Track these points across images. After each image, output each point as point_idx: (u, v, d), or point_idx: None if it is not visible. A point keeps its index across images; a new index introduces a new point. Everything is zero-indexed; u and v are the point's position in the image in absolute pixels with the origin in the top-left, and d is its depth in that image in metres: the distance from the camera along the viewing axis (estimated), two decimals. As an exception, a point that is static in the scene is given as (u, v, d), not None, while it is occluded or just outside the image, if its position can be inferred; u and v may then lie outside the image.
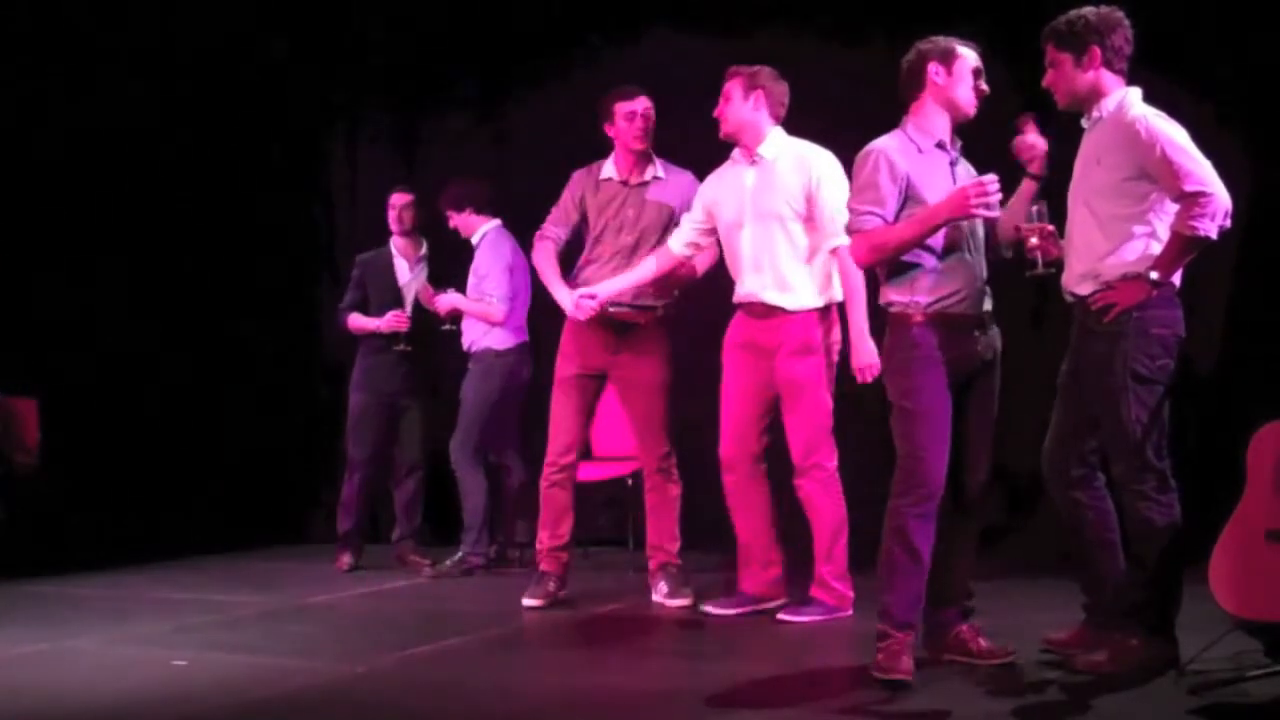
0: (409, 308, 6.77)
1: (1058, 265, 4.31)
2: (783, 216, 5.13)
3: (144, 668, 4.62)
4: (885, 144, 4.26)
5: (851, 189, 4.27)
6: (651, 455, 5.59)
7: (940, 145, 4.29)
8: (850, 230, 4.28)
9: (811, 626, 5.04)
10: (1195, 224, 4.01)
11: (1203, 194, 4.01)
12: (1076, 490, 4.33)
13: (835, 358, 5.20)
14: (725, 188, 5.28)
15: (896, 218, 4.20)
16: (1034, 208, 4.28)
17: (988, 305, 4.31)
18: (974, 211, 4.10)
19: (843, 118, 4.45)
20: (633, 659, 4.74)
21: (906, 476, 4.20)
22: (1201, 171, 4.04)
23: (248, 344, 8.02)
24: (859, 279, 5.04)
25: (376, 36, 7.91)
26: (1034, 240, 4.25)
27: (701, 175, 5.47)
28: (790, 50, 6.98)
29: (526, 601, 5.51)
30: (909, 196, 4.21)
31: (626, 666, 4.64)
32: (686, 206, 5.45)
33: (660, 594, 5.49)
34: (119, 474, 7.41)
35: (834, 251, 5.09)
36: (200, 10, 7.69)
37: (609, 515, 7.11)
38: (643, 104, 5.50)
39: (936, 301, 4.19)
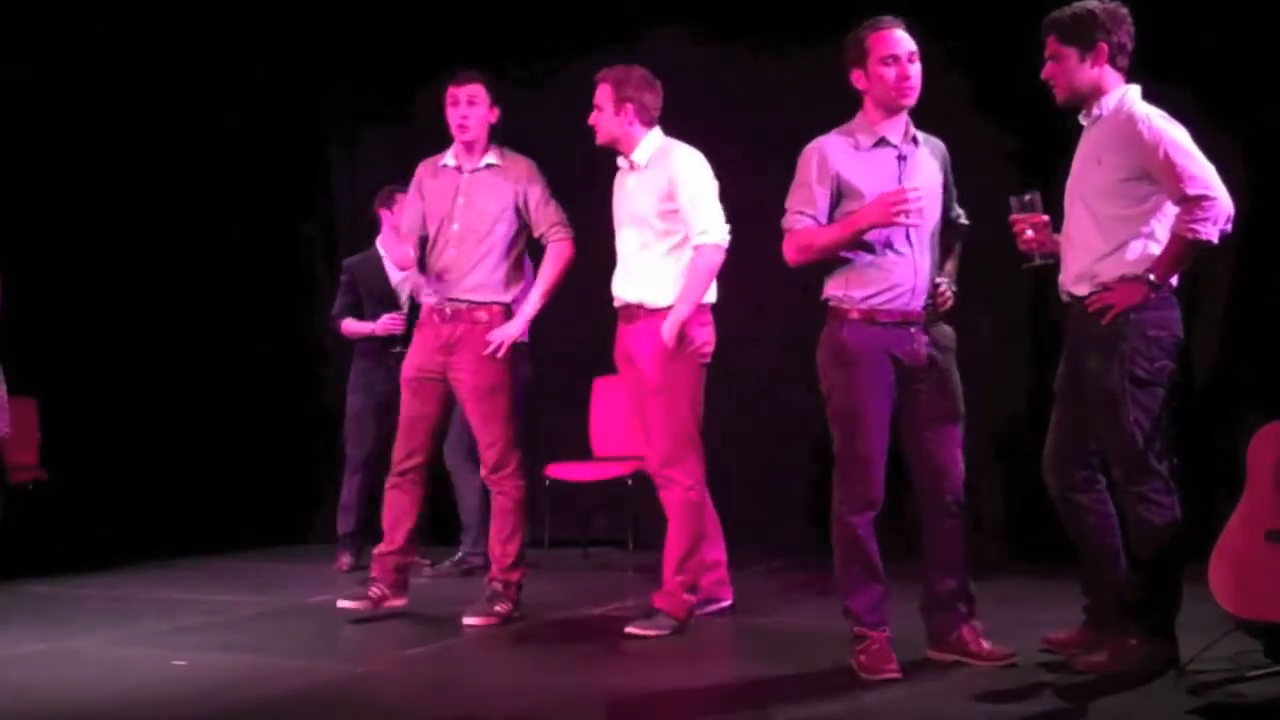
0: (405, 308, 6.77)
1: (1054, 258, 4.29)
2: (649, 218, 5.04)
3: (144, 668, 4.62)
4: (821, 141, 4.28)
5: (791, 186, 4.29)
6: (483, 464, 5.35)
7: (883, 142, 4.25)
8: (783, 228, 4.29)
9: (654, 638, 4.90)
10: (1197, 227, 3.99)
11: (1205, 197, 3.98)
12: (1078, 493, 4.32)
13: (702, 358, 5.05)
14: (616, 191, 5.23)
15: (831, 214, 4.23)
16: (1026, 197, 4.24)
17: (935, 301, 4.27)
18: (894, 220, 4.09)
19: (844, 118, 4.43)
20: (632, 659, 4.73)
21: (847, 484, 4.22)
22: (1205, 175, 4.01)
23: (247, 344, 8.03)
24: (699, 276, 4.95)
25: (376, 37, 7.91)
26: (1029, 233, 4.24)
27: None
28: (790, 50, 7.04)
29: (341, 603, 5.24)
30: (842, 194, 4.22)
31: (626, 667, 4.63)
32: (523, 193, 5.29)
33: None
34: (118, 474, 7.42)
35: (695, 248, 4.98)
36: (201, 10, 7.69)
37: (608, 515, 7.11)
38: (467, 91, 5.25)
39: (871, 297, 4.19)
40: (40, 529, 6.77)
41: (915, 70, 4.22)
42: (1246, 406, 4.41)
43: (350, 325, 6.83)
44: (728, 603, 5.30)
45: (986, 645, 4.33)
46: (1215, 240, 4.03)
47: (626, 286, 5.12)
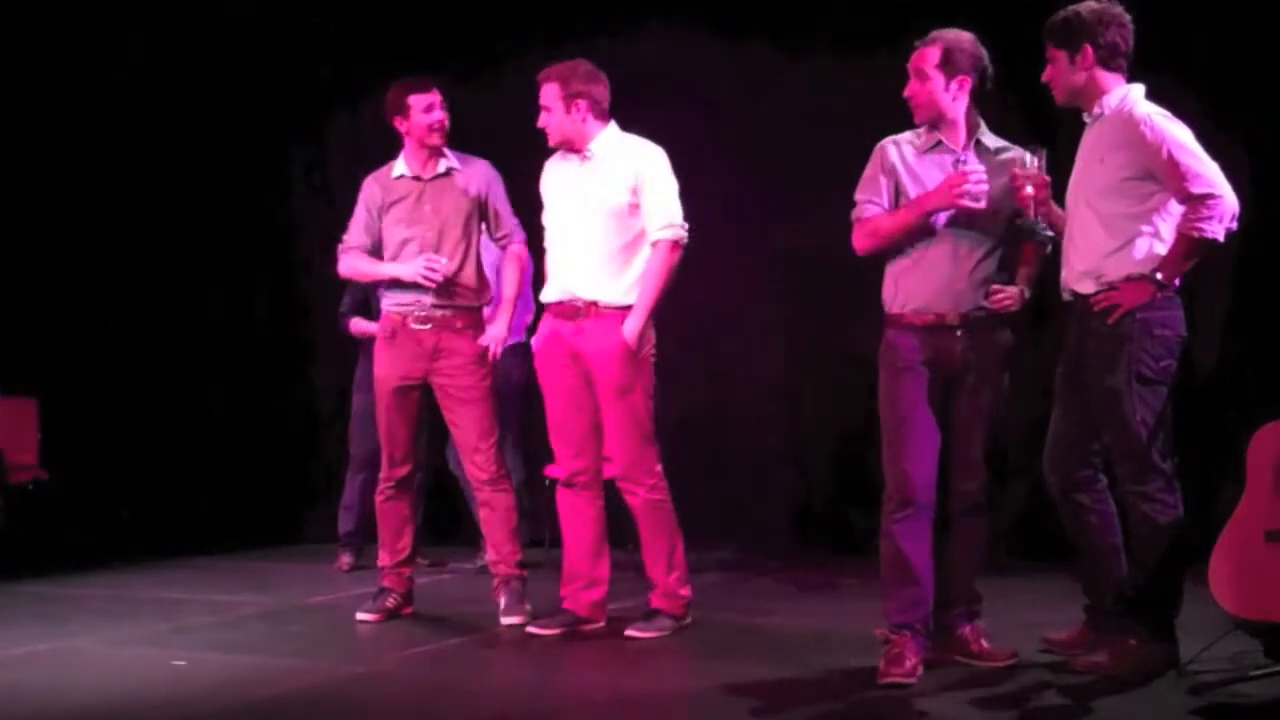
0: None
1: (1051, 228, 4.30)
2: (607, 213, 4.91)
3: (144, 668, 4.62)
4: (889, 140, 4.36)
5: (859, 181, 4.36)
6: (479, 468, 5.29)
7: (941, 145, 4.29)
8: (853, 219, 4.34)
9: (655, 639, 4.89)
10: (1202, 226, 4.00)
11: (1210, 196, 3.99)
12: (1079, 493, 4.32)
13: (653, 356, 4.99)
14: (554, 182, 5.07)
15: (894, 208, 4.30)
16: (1032, 157, 4.22)
17: (986, 308, 4.27)
18: (958, 201, 4.13)
19: (835, 117, 4.45)
20: (633, 659, 4.73)
21: (889, 484, 4.25)
22: (1209, 173, 4.01)
23: (248, 343, 8.03)
24: (661, 274, 4.88)
25: (375, 32, 7.90)
26: (1028, 190, 4.23)
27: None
28: (789, 48, 7.03)
29: (360, 615, 5.31)
30: (899, 191, 4.29)
31: (627, 667, 4.63)
32: (486, 195, 5.26)
33: (500, 610, 5.27)
34: (119, 474, 7.42)
35: (653, 244, 4.91)
36: (203, 3, 7.71)
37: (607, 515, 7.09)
38: (438, 96, 5.22)
39: (917, 301, 4.24)
40: (40, 529, 6.77)
41: (912, 87, 4.28)
42: (1247, 406, 4.40)
43: (358, 324, 6.82)
44: (601, 624, 5.12)
45: (987, 645, 4.34)
46: (1221, 238, 4.03)
47: (577, 283, 4.95)
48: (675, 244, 4.92)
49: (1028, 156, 4.23)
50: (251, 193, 8.03)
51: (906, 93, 4.30)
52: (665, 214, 4.92)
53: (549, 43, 7.34)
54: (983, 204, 4.17)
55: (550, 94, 4.95)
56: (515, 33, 7.51)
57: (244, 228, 8.02)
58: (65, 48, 7.38)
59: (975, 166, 4.20)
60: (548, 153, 5.15)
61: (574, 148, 5.01)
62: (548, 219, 5.10)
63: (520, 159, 5.43)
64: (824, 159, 4.72)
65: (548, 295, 5.05)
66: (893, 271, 4.29)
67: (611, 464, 5.09)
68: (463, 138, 5.44)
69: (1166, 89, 4.38)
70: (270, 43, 7.91)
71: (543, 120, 4.99)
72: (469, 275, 5.26)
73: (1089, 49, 4.18)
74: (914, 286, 4.24)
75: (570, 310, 4.97)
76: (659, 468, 5.02)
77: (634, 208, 4.94)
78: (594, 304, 4.94)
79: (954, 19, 4.38)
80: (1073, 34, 4.20)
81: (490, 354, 5.25)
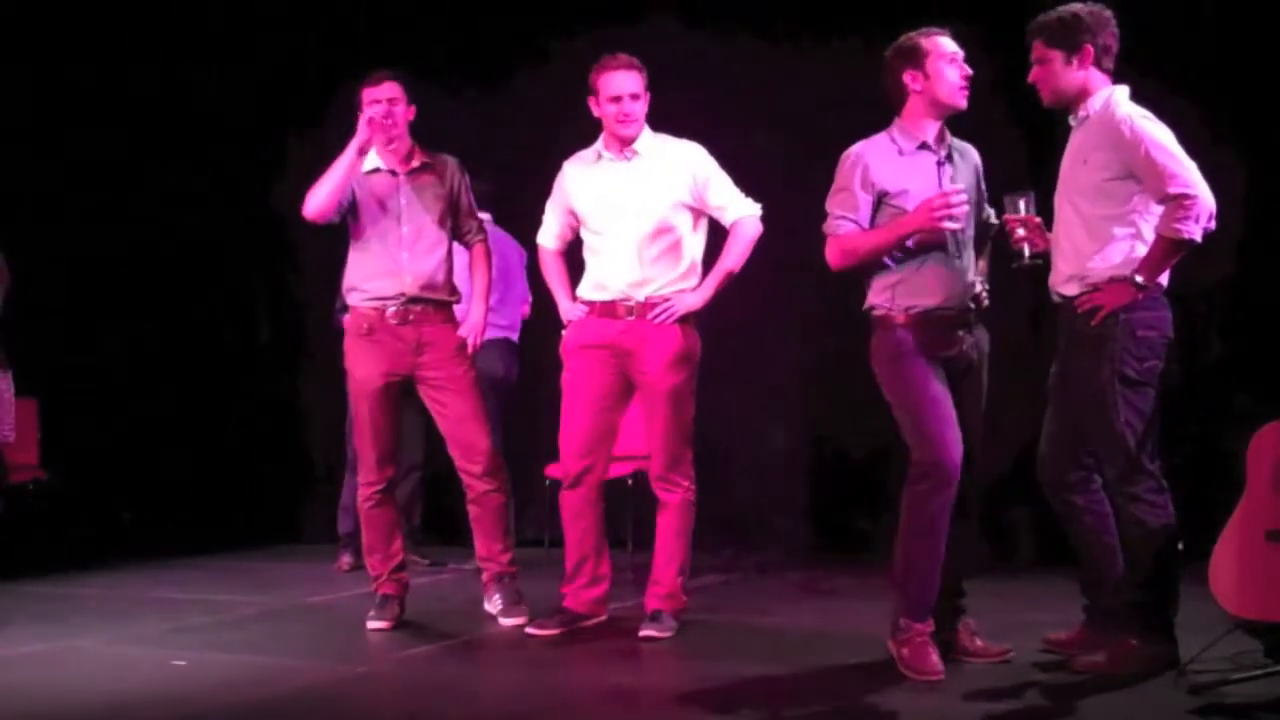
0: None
1: (1044, 257, 4.31)
2: (660, 213, 4.89)
3: (144, 668, 4.62)
4: (863, 148, 4.27)
5: (830, 190, 4.30)
6: (473, 462, 5.22)
7: (925, 146, 4.27)
8: (825, 232, 4.29)
9: (667, 639, 4.89)
10: (1180, 226, 4.01)
11: (1187, 196, 4.00)
12: (1073, 493, 4.33)
13: (698, 356, 5.00)
14: (593, 182, 5.01)
15: (872, 221, 4.23)
16: (1020, 200, 4.27)
17: (976, 304, 4.30)
18: (938, 224, 4.10)
19: (833, 111, 4.43)
20: (633, 659, 4.73)
21: (925, 464, 4.15)
22: (1186, 173, 4.03)
23: (247, 343, 8.03)
24: (749, 243, 4.95)
25: (375, 29, 7.90)
26: (1020, 232, 4.27)
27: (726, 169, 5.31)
28: (787, 43, 7.03)
29: (373, 625, 5.18)
30: (884, 199, 4.22)
31: (626, 667, 4.63)
32: (456, 191, 5.20)
33: (494, 607, 5.26)
34: (119, 474, 7.42)
35: (736, 221, 4.96)
36: (204, 6, 7.71)
37: (607, 515, 7.09)
38: (387, 90, 5.12)
39: (917, 305, 4.20)
40: (40, 529, 6.77)
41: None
42: (1246, 406, 4.40)
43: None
44: (603, 618, 5.16)
45: (980, 643, 4.34)
46: (1199, 239, 4.04)
47: (630, 283, 4.93)
48: (759, 216, 4.98)
49: (1020, 201, 4.26)
50: (250, 193, 8.02)
51: (967, 74, 4.25)
52: (739, 195, 4.98)
53: (549, 43, 7.38)
54: (962, 224, 4.15)
55: (639, 82, 4.89)
56: (516, 31, 7.52)
57: (243, 228, 8.03)
58: (64, 48, 7.38)
59: (956, 186, 4.16)
60: (563, 150, 5.14)
61: (627, 144, 4.96)
62: (589, 220, 5.04)
63: (536, 157, 5.45)
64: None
65: (593, 294, 5.01)
66: (888, 276, 4.23)
67: (652, 462, 5.05)
68: (475, 135, 5.41)
69: (1157, 90, 4.38)
70: (271, 42, 7.91)
71: (631, 108, 4.88)
72: (445, 270, 5.22)
73: (1089, 48, 4.18)
74: (918, 291, 4.20)
75: (622, 309, 4.95)
76: (693, 469, 5.02)
77: (685, 207, 4.94)
78: (647, 303, 4.93)
79: (949, 13, 4.37)
80: (1072, 34, 4.19)
81: (470, 344, 5.20)
